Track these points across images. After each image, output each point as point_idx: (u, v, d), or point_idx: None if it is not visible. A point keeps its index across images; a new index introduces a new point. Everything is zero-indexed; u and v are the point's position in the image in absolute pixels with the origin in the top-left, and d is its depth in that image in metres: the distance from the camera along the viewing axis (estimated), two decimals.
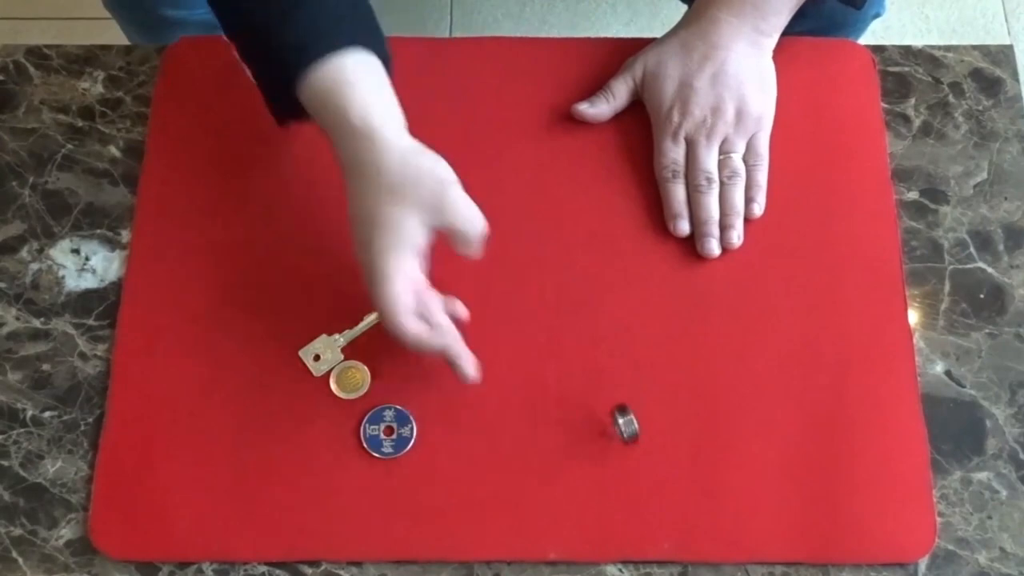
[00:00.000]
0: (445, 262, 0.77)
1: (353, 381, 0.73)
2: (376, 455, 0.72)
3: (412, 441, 0.72)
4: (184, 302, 0.76)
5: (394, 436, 0.72)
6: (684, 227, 0.77)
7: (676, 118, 0.78)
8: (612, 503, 0.71)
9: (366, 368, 0.74)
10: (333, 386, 0.73)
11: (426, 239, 0.68)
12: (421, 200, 0.67)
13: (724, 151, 0.78)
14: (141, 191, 0.80)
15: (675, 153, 0.78)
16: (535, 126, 0.82)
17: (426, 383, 0.74)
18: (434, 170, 0.68)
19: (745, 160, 0.79)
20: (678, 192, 0.78)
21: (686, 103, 0.78)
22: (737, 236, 0.77)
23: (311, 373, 0.74)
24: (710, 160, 0.78)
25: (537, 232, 0.79)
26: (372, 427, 0.72)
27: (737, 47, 0.78)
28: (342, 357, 0.74)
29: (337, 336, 0.75)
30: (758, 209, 0.78)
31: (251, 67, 0.73)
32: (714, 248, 0.76)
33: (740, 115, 0.78)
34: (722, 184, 0.78)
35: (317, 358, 0.74)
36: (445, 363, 0.71)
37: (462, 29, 1.64)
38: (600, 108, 0.81)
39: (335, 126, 0.69)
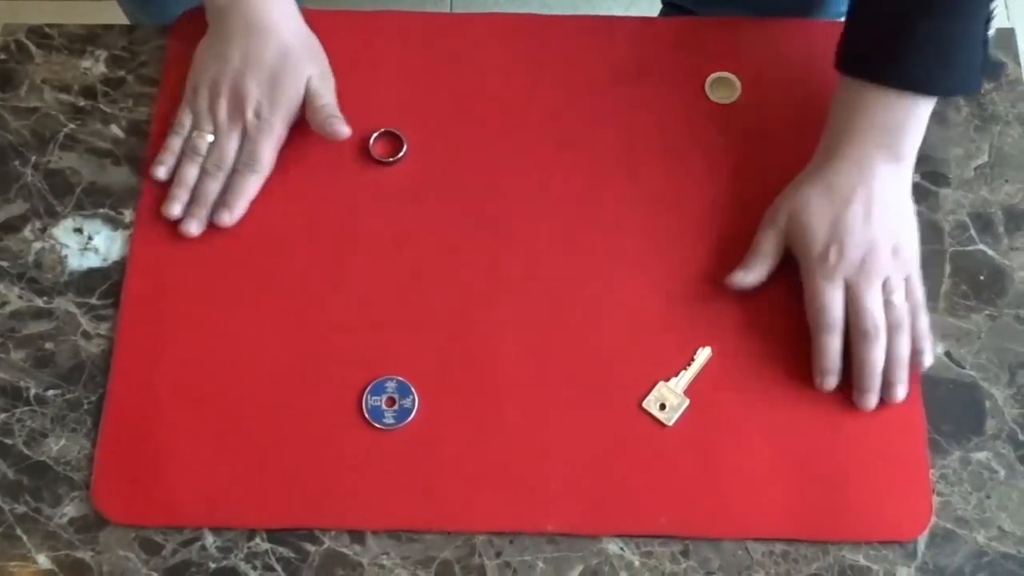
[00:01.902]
0: (447, 233, 0.78)
1: None
2: (378, 426, 0.72)
3: (414, 413, 0.72)
4: (186, 280, 0.76)
5: (396, 407, 0.73)
6: (833, 383, 0.72)
7: (832, 258, 0.72)
8: (610, 477, 0.71)
9: None
10: None
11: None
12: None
13: (885, 292, 0.73)
14: (147, 169, 0.80)
15: (833, 295, 0.72)
16: (537, 104, 0.82)
17: (428, 355, 0.74)
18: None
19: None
20: (834, 344, 0.72)
21: (842, 244, 0.72)
22: (903, 391, 0.72)
23: (309, 344, 0.74)
24: (875, 303, 0.72)
25: (539, 209, 0.79)
26: (374, 398, 0.73)
27: (882, 182, 0.73)
28: None
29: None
30: (928, 361, 0.73)
31: None
32: (873, 403, 0.72)
33: (896, 252, 0.73)
34: (887, 333, 0.72)
35: None
36: (449, 335, 0.74)
37: (462, 10, 1.64)
38: (758, 272, 0.75)
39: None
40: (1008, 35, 0.86)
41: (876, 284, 0.72)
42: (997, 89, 0.84)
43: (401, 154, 0.80)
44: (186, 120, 0.79)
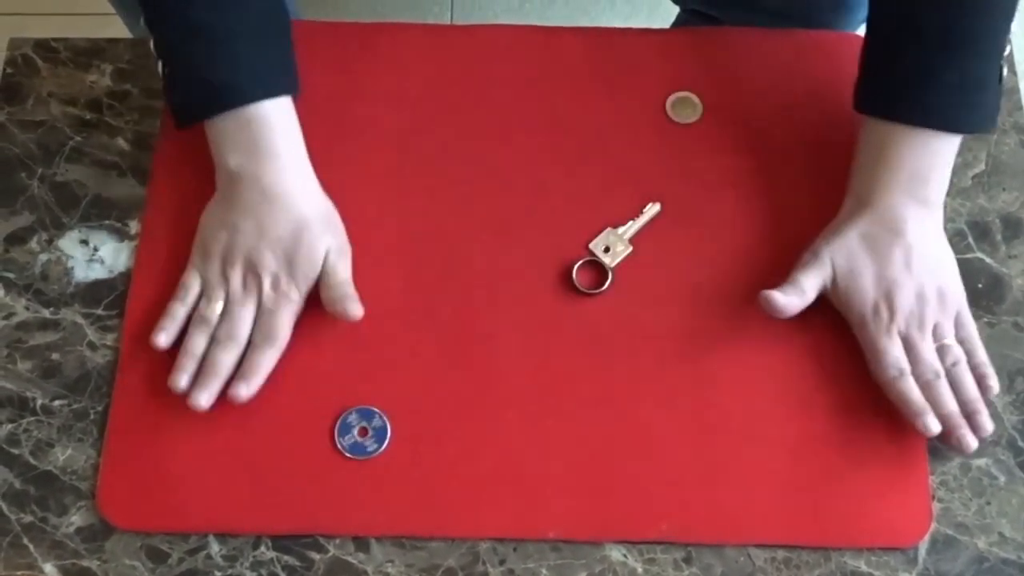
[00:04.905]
0: (431, 243, 0.78)
1: None
2: (364, 458, 0.72)
3: (388, 431, 0.73)
4: None
5: (369, 434, 0.73)
6: (934, 424, 0.71)
7: (885, 315, 0.74)
8: (611, 484, 0.72)
9: None
10: None
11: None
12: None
13: (938, 338, 0.74)
14: (152, 180, 0.81)
15: (896, 350, 0.74)
16: (536, 117, 0.83)
17: (429, 361, 0.75)
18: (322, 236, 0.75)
19: (959, 340, 0.75)
20: (913, 390, 0.73)
21: (892, 298, 0.74)
22: (986, 418, 0.72)
23: (312, 350, 0.75)
24: (929, 351, 0.74)
25: (533, 217, 0.80)
26: (345, 438, 0.73)
27: (917, 228, 0.75)
28: (631, 248, 0.79)
29: (621, 228, 0.79)
30: (995, 384, 0.74)
31: (169, 70, 0.76)
32: (972, 441, 0.71)
33: (943, 297, 0.75)
34: (948, 373, 0.74)
35: (607, 250, 0.78)
36: (450, 343, 0.75)
37: (463, 21, 1.64)
38: (792, 300, 0.74)
39: (246, 156, 0.74)
40: None
41: (928, 332, 0.74)
42: None
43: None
44: (193, 286, 0.75)
